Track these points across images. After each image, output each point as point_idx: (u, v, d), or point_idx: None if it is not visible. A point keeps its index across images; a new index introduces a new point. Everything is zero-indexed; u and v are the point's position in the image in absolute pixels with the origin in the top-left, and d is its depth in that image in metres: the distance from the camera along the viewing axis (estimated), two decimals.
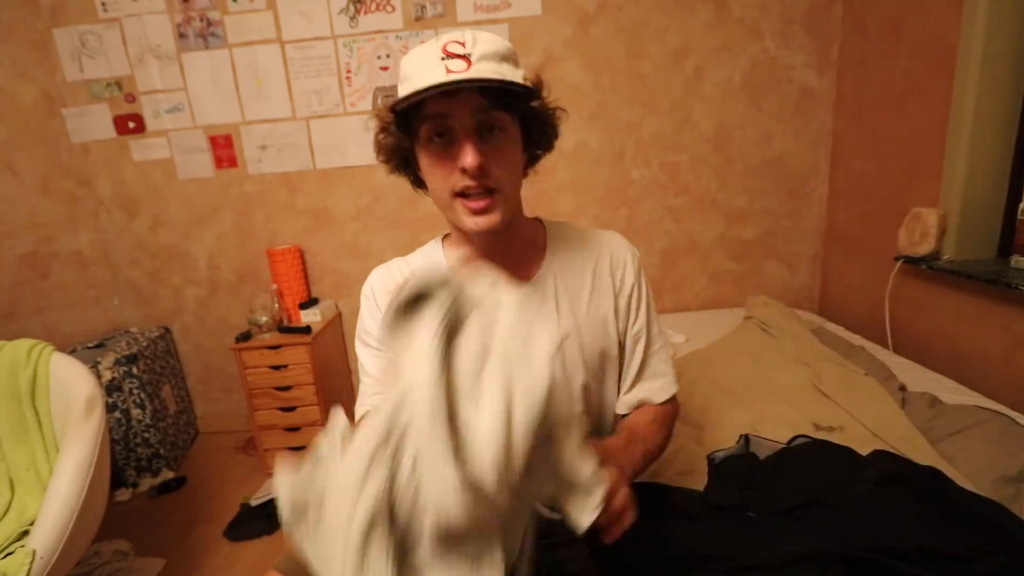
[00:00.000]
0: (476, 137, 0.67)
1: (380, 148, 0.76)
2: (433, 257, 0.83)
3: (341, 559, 0.43)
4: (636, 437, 0.76)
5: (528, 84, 0.68)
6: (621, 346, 0.83)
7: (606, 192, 2.31)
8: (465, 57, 0.64)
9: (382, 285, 0.82)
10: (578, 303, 0.80)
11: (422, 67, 0.66)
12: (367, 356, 0.81)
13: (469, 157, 0.65)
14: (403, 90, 0.68)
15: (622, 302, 0.82)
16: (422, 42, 0.71)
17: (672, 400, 0.85)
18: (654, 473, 1.10)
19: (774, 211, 2.30)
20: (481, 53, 0.65)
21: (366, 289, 0.83)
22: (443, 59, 0.64)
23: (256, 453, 2.27)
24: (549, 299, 0.79)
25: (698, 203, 2.31)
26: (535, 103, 0.72)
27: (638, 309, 0.83)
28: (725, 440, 1.17)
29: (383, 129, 0.74)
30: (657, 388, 0.84)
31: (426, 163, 0.71)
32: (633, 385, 0.84)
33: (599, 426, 0.85)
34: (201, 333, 2.52)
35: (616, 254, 0.83)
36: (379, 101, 2.23)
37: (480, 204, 0.68)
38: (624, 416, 0.84)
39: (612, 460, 0.62)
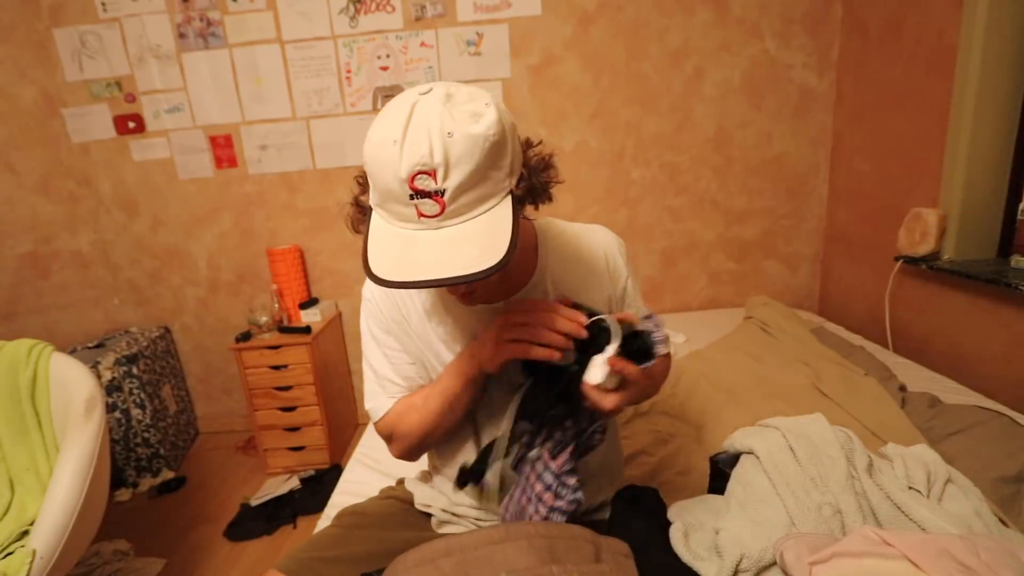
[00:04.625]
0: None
1: (354, 226, 0.69)
2: None
3: None
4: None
5: (500, 258, 0.54)
6: None
7: (606, 192, 2.31)
8: (437, 196, 0.54)
9: (383, 294, 0.82)
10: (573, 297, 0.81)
11: (389, 196, 0.57)
12: (378, 355, 0.84)
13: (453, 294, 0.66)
14: (372, 196, 0.61)
15: (617, 293, 0.84)
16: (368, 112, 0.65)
17: (666, 356, 0.92)
18: (655, 472, 1.10)
19: (774, 211, 2.30)
20: (456, 184, 0.54)
21: (366, 292, 0.84)
22: (412, 198, 0.55)
23: (256, 453, 2.27)
24: (544, 298, 0.79)
25: (698, 203, 2.31)
26: (525, 183, 0.63)
27: (633, 296, 0.86)
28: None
29: (359, 211, 0.67)
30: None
31: None
32: None
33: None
34: (201, 333, 2.52)
35: (606, 248, 0.84)
36: (378, 102, 2.23)
37: (465, 296, 0.70)
38: None
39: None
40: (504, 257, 0.54)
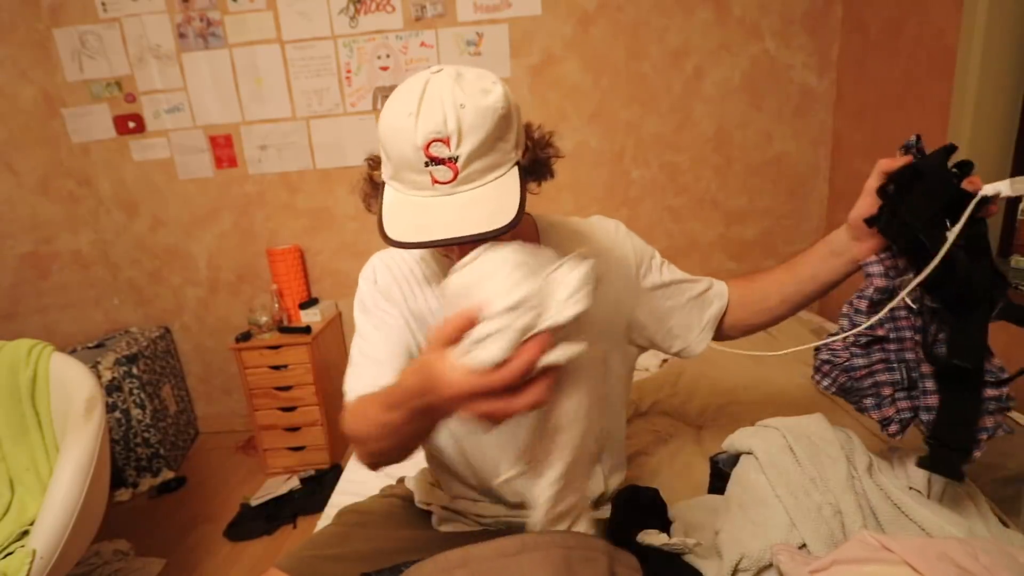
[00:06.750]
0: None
1: (366, 203, 0.72)
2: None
3: None
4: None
5: (512, 219, 0.57)
6: (630, 324, 0.87)
7: (606, 192, 2.31)
8: (451, 162, 0.58)
9: (385, 268, 0.81)
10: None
11: (404, 165, 0.60)
12: (368, 327, 0.78)
13: (457, 257, 0.62)
14: (385, 169, 0.65)
15: (631, 274, 0.86)
16: (382, 91, 0.67)
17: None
18: (655, 472, 1.10)
19: (774, 211, 2.30)
20: (468, 152, 0.58)
21: (367, 269, 0.82)
22: (427, 164, 0.58)
23: (256, 453, 2.27)
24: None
25: (698, 203, 2.31)
26: (529, 156, 0.67)
27: (650, 259, 0.90)
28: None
29: (371, 187, 0.71)
30: (717, 295, 0.93)
31: None
32: (702, 315, 0.92)
33: (602, 411, 0.86)
34: (201, 333, 2.52)
35: (606, 231, 0.88)
36: (378, 102, 2.23)
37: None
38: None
39: None
40: (515, 218, 0.57)
